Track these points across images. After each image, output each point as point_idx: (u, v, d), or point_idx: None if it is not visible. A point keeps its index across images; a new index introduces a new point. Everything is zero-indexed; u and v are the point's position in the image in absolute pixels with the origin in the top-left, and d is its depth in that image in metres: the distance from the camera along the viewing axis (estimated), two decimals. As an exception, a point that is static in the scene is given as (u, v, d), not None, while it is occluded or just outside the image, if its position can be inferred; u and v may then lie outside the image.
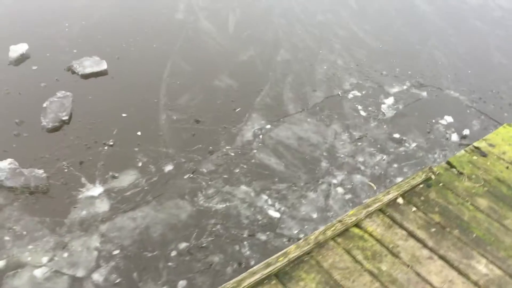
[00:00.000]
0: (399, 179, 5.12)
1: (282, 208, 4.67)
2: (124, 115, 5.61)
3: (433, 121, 5.96)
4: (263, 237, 4.40)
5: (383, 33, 7.70)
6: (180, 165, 5.04)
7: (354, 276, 2.75)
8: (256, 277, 2.63)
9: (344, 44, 7.26)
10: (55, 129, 5.32)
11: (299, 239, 4.44)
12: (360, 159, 5.31)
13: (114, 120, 5.53)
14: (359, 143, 5.52)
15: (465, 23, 8.24)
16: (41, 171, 4.74)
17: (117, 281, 3.94)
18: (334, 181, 5.01)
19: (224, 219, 4.52)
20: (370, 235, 3.02)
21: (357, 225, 3.08)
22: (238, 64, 6.66)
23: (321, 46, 7.19)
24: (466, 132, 5.80)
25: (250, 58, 6.79)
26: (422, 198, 3.32)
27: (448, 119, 6.01)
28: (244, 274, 2.63)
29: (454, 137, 5.74)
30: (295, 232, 4.47)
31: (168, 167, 5.01)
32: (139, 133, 5.38)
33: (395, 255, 2.90)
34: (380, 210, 3.19)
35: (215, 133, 5.46)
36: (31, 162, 4.86)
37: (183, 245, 4.29)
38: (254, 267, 2.68)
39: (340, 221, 3.03)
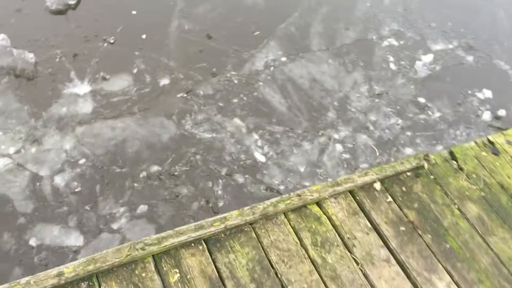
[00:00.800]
0: (407, 150, 4.64)
1: (270, 153, 4.33)
2: (134, 12, 5.19)
3: (469, 92, 5.29)
4: (240, 179, 4.11)
5: (449, -23, 6.73)
6: (177, 81, 4.69)
7: (293, 261, 2.43)
8: (182, 238, 2.35)
9: (399, -19, 6.40)
10: (58, 12, 5.00)
11: (277, 190, 4.13)
12: (373, 118, 4.80)
13: (122, 17, 5.14)
14: (377, 100, 4.97)
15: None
16: (31, 55, 4.50)
17: (78, 189, 3.79)
18: (336, 136, 4.58)
19: (206, 150, 4.23)
20: (329, 218, 2.65)
21: (318, 203, 2.70)
22: (273, -19, 5.98)
23: (373, -22, 6.36)
24: (501, 113, 5.12)
25: (289, -23, 6.08)
26: (404, 188, 2.88)
27: (487, 93, 5.31)
28: (169, 232, 2.36)
29: (486, 116, 5.09)
30: (276, 182, 4.16)
31: (164, 81, 4.67)
32: (144, 36, 4.99)
33: (348, 248, 2.55)
34: (350, 192, 2.79)
35: (224, 54, 5.01)
36: (24, 43, 4.61)
37: (155, 168, 4.06)
38: (183, 227, 2.39)
39: (298, 195, 2.65)
